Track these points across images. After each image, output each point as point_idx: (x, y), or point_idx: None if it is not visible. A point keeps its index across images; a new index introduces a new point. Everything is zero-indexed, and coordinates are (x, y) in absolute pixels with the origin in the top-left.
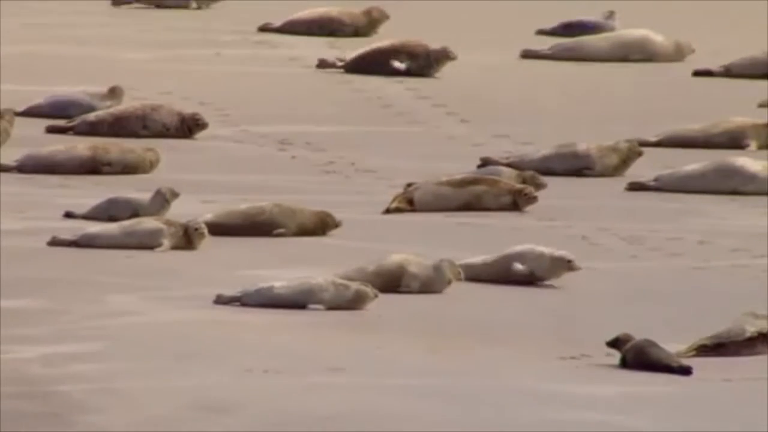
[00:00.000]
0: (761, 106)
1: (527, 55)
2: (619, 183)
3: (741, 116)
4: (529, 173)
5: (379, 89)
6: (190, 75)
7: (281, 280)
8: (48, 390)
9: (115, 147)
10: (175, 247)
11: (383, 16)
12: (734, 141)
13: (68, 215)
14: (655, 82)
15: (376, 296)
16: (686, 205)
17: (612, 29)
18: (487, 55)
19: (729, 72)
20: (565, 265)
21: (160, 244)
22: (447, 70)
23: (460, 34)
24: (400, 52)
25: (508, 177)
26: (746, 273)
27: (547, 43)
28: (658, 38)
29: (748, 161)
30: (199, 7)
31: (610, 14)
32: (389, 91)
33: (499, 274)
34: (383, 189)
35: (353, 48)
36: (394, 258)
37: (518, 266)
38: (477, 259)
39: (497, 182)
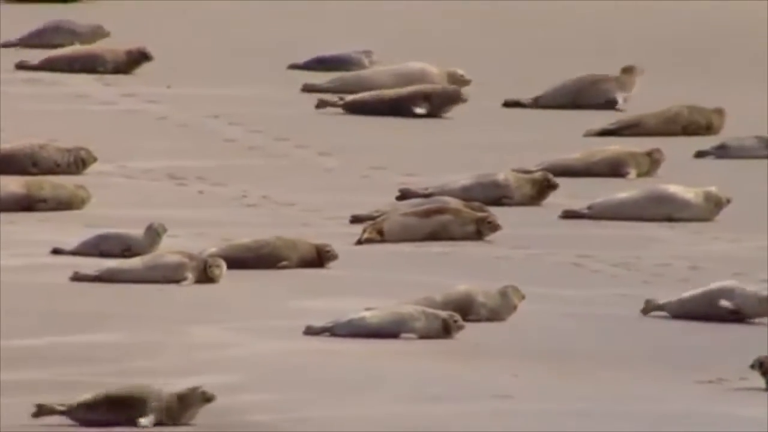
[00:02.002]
0: (587, 135)
1: (307, 89)
2: (535, 211)
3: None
4: (476, 204)
5: (202, 124)
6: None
7: (371, 310)
8: (246, 420)
9: (47, 183)
10: (198, 281)
11: (146, 57)
12: (614, 169)
13: (56, 251)
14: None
15: (462, 326)
16: (634, 232)
17: (365, 65)
18: (266, 90)
19: (537, 103)
20: None
21: (185, 278)
22: (246, 106)
23: (216, 71)
24: (415, 97)
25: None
26: None
27: (301, 78)
28: (435, 70)
29: (680, 189)
30: None
31: (368, 52)
32: (214, 125)
33: (704, 309)
34: (319, 221)
35: (122, 85)
36: (461, 288)
37: (725, 303)
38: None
39: (461, 211)
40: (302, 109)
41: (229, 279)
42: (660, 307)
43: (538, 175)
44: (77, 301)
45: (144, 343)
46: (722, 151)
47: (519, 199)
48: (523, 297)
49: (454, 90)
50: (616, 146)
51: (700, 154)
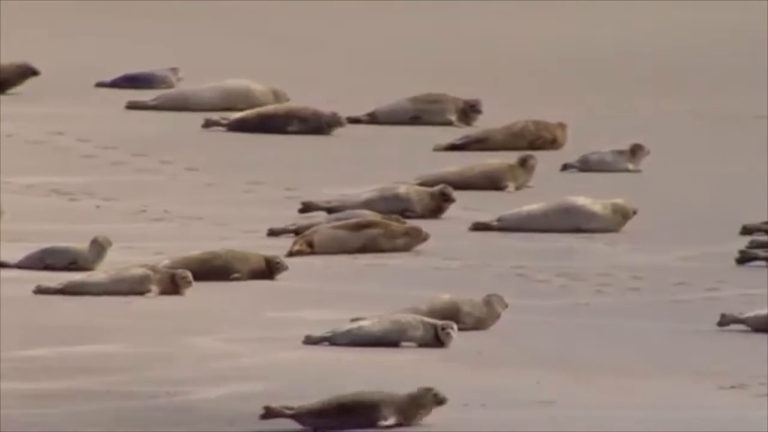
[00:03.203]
0: (436, 150)
1: (132, 106)
2: (438, 224)
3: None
4: (394, 216)
5: (52, 141)
6: None
7: (370, 319)
8: None
9: None
10: (162, 293)
11: (32, 71)
12: (493, 182)
13: (0, 265)
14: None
15: (452, 336)
16: (552, 244)
17: (173, 83)
18: (87, 108)
19: (374, 119)
20: None
21: (148, 290)
22: (82, 123)
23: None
24: (290, 117)
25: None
26: (730, 303)
27: (108, 96)
28: (259, 87)
29: (588, 201)
30: None
31: (174, 70)
32: (65, 142)
33: None
34: (237, 234)
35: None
36: (444, 297)
37: None
38: None
39: (390, 225)
40: (137, 126)
41: (190, 291)
42: (741, 321)
43: (436, 188)
44: (57, 314)
45: (153, 353)
46: (584, 164)
47: (421, 211)
48: (506, 306)
49: (332, 113)
50: (494, 159)
51: (564, 167)
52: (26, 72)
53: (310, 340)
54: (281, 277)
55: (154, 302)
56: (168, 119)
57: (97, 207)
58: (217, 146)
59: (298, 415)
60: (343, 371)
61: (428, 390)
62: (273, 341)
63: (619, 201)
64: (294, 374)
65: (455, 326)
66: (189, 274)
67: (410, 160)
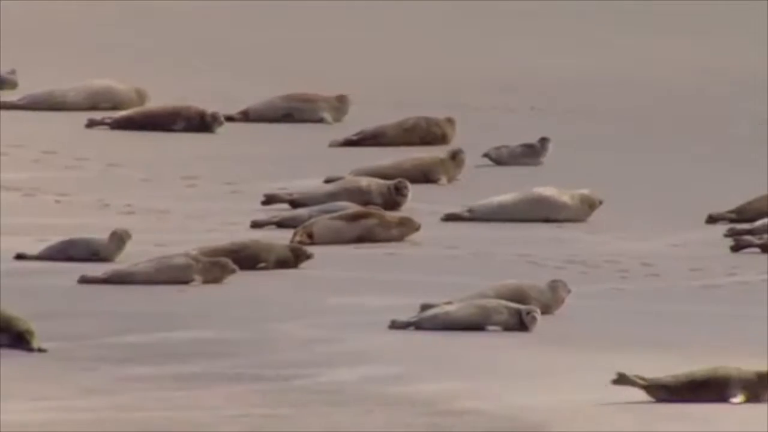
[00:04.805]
0: (332, 145)
1: (1, 106)
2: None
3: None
4: (374, 207)
5: None
6: None
7: (452, 304)
8: (461, 407)
9: None
10: (205, 282)
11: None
12: (425, 176)
13: (20, 257)
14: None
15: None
16: (531, 232)
17: (15, 83)
18: None
19: (246, 116)
20: None
21: (192, 279)
22: None
23: None
24: (176, 116)
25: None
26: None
27: None
28: (122, 87)
29: (555, 192)
30: None
31: (12, 71)
32: None
33: None
34: (217, 226)
35: None
36: (510, 283)
37: None
38: None
39: (384, 215)
40: (13, 125)
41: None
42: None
43: (392, 182)
44: (120, 302)
45: (251, 339)
46: (496, 159)
47: (381, 204)
48: (569, 291)
49: (214, 113)
50: (423, 154)
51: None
52: None
53: (395, 325)
54: (307, 266)
55: (204, 290)
56: (35, 118)
57: (57, 202)
58: (113, 143)
59: (650, 387)
60: (452, 354)
61: None
62: (359, 326)
63: (586, 192)
64: (407, 356)
65: (539, 311)
66: (231, 263)
67: (312, 156)
